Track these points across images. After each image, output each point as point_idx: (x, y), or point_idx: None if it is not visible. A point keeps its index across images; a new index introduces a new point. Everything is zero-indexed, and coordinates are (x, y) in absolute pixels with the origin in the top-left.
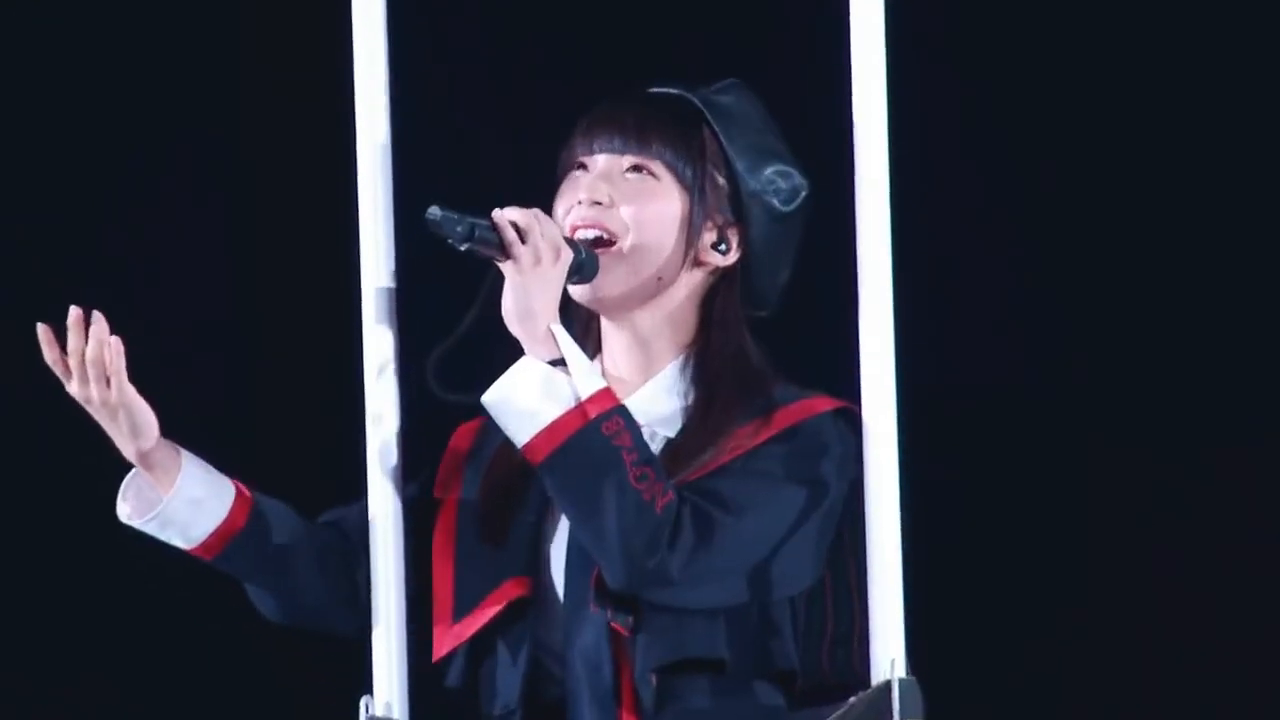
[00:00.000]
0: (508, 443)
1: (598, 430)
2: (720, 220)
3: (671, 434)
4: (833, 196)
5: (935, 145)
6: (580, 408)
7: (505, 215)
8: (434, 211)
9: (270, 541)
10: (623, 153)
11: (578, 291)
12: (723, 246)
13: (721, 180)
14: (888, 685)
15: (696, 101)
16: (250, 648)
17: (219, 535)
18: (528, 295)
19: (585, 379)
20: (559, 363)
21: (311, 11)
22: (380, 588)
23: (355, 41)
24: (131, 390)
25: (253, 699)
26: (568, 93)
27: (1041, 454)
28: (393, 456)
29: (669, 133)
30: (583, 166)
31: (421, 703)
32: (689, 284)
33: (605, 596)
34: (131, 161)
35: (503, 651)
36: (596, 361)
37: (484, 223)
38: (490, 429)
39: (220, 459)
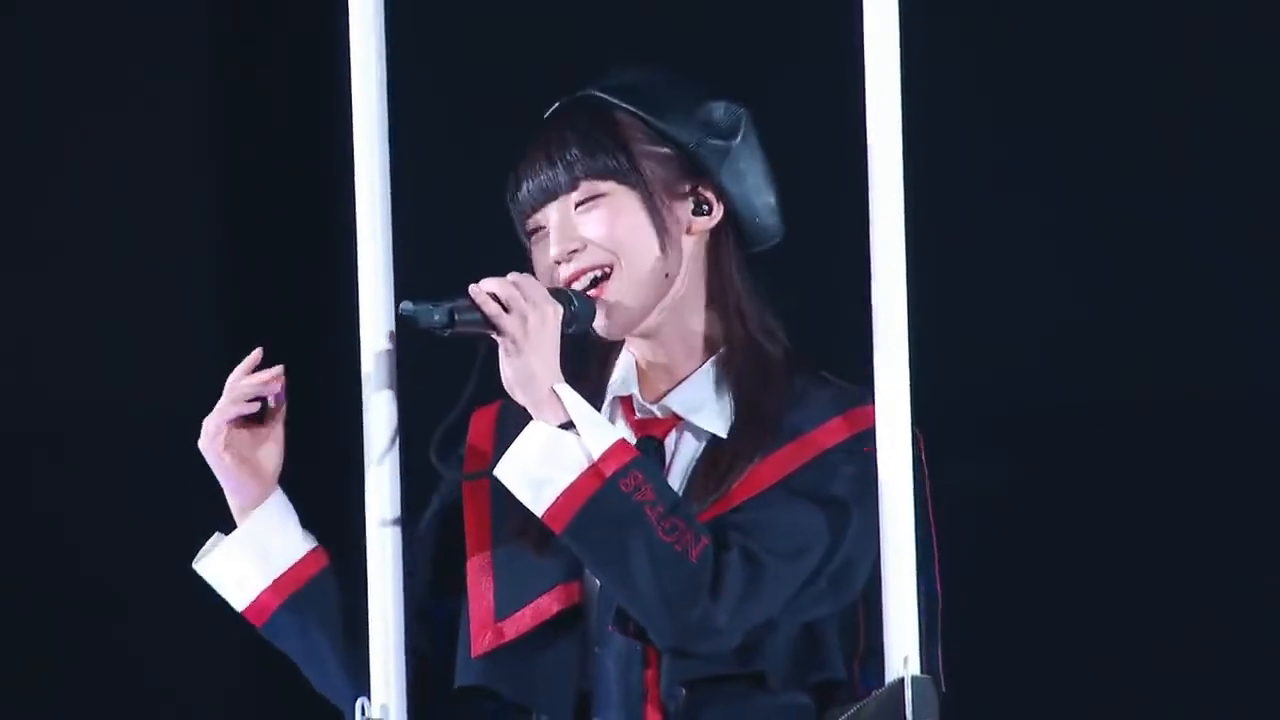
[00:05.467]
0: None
1: (616, 488)
2: (688, 186)
3: (717, 431)
4: (848, 199)
5: (950, 146)
6: (594, 468)
7: (483, 289)
8: (406, 306)
9: (335, 607)
10: (563, 193)
11: (602, 329)
12: (705, 207)
13: (665, 150)
14: (901, 683)
15: (598, 93)
16: (245, 647)
17: (291, 577)
18: (526, 362)
19: (597, 436)
20: (571, 425)
21: (307, 16)
22: (376, 588)
23: (352, 47)
24: (244, 460)
25: (248, 699)
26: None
27: (1057, 452)
28: (391, 449)
29: (585, 143)
30: (541, 229)
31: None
32: (695, 263)
33: (627, 619)
34: (117, 171)
35: (553, 655)
36: (627, 380)
37: (462, 302)
38: (509, 416)
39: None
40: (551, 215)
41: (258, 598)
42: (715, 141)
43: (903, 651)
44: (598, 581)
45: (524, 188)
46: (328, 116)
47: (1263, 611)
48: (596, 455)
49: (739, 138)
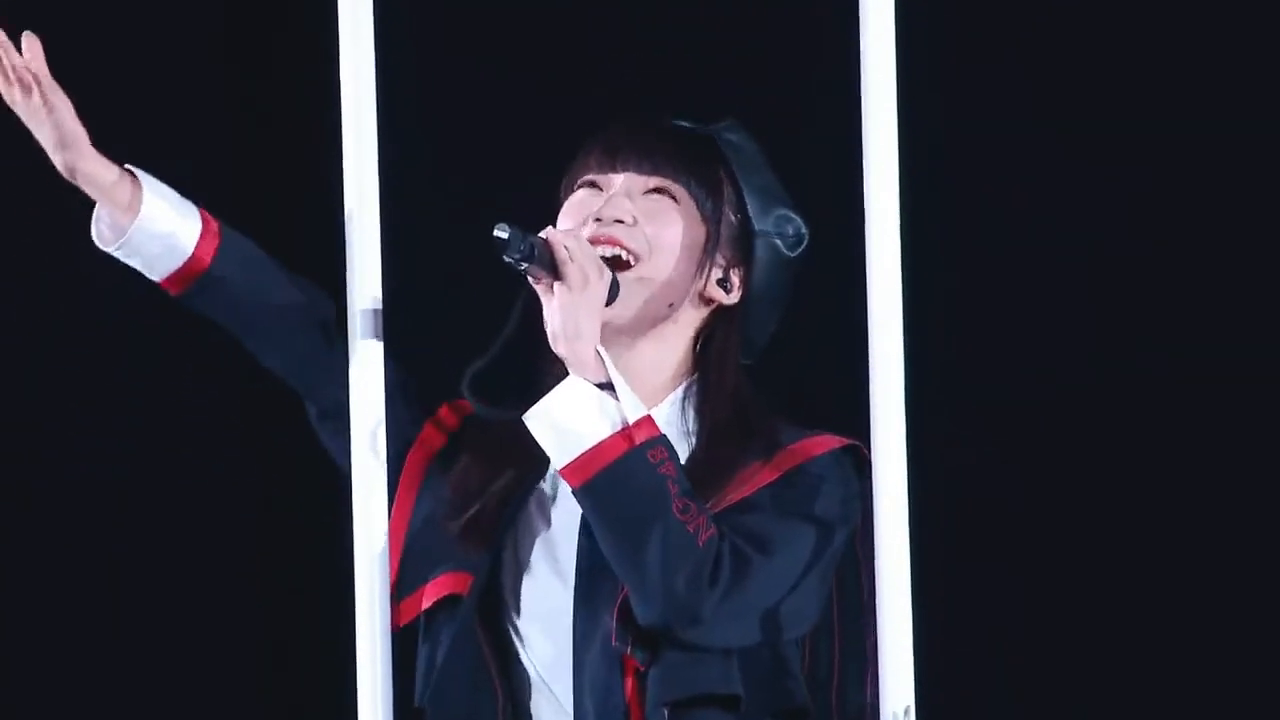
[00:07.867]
0: (484, 445)
1: (644, 456)
2: (727, 258)
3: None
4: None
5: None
6: (626, 432)
7: (554, 235)
8: (503, 228)
9: (238, 287)
10: (647, 173)
11: None
12: (727, 284)
13: (733, 218)
14: None
15: (714, 138)
16: (240, 673)
17: (183, 274)
18: (576, 316)
19: (630, 404)
20: (604, 386)
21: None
22: (364, 614)
23: (341, 43)
24: (58, 101)
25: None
26: (561, 96)
27: (1053, 484)
28: (377, 440)
29: (692, 163)
30: (593, 185)
31: None
32: (691, 320)
33: (627, 631)
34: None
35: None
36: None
37: (539, 239)
38: (467, 431)
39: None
40: (618, 181)
41: (195, 248)
42: (777, 244)
43: (902, 702)
44: (568, 605)
45: (614, 157)
46: (322, 100)
47: (1263, 603)
48: (630, 420)
49: (797, 253)
